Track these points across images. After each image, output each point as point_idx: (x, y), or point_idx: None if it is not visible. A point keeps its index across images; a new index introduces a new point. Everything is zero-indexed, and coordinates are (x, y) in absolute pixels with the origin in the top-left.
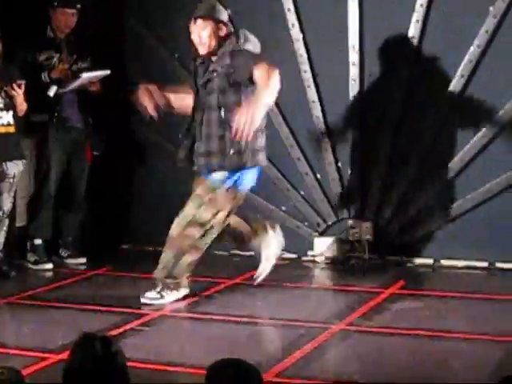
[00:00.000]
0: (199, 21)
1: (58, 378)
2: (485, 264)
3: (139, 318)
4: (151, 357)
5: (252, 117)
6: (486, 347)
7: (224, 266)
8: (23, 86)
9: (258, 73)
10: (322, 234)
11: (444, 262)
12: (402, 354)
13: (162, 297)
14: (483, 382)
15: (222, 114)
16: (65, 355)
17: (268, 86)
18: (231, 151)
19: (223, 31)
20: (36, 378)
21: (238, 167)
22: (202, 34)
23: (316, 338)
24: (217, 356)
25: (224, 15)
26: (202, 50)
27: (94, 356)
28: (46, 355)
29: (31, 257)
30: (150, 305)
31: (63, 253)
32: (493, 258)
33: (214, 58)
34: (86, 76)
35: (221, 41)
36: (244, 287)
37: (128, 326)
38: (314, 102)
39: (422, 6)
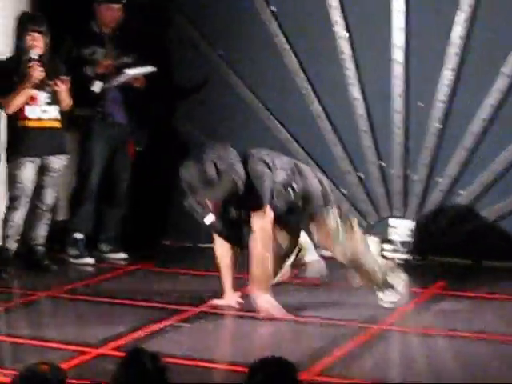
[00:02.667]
0: None
1: (97, 372)
2: None
3: (179, 314)
4: (191, 353)
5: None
6: None
7: None
8: (68, 83)
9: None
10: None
11: (486, 263)
12: (442, 355)
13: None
14: None
15: None
16: (104, 350)
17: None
18: None
19: None
20: (75, 371)
21: None
22: None
23: (357, 337)
24: (257, 354)
25: None
26: None
27: (143, 371)
28: (86, 349)
29: (72, 251)
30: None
31: (104, 247)
32: None
33: None
34: (130, 72)
35: None
36: (286, 286)
37: (168, 322)
38: (356, 100)
39: (470, 6)
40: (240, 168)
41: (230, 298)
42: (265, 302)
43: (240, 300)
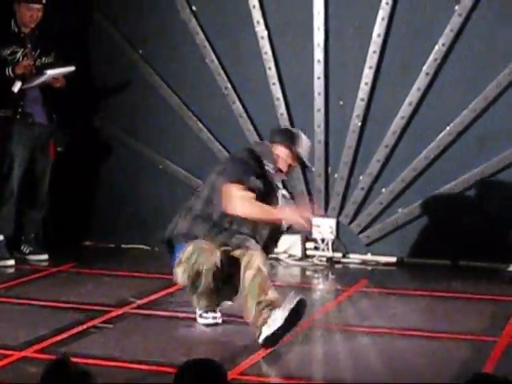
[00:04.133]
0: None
1: (20, 375)
2: (448, 262)
3: (102, 316)
4: (115, 354)
5: None
6: (450, 345)
7: None
8: None
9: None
10: (285, 231)
11: (408, 260)
12: (365, 352)
13: None
14: (448, 379)
15: None
16: (26, 352)
17: None
18: None
19: None
20: None
21: None
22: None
23: None
24: (180, 353)
25: None
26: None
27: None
28: (8, 352)
29: None
30: None
31: (25, 249)
32: (456, 255)
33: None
34: (50, 72)
35: None
36: None
37: (91, 323)
38: (278, 99)
39: (387, 3)
40: None
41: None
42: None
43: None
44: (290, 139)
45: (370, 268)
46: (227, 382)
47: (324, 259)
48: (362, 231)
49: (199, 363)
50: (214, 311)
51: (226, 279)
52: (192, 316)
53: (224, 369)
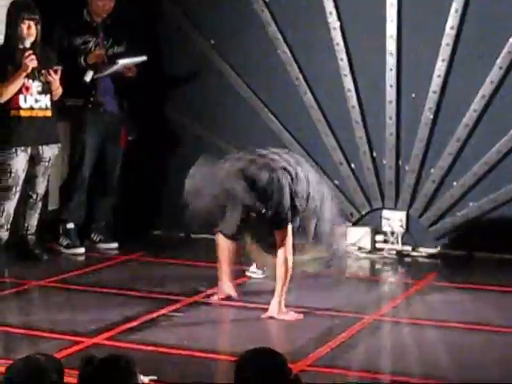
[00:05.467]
0: None
1: None
2: None
3: (172, 304)
4: (184, 343)
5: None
6: None
7: None
8: (60, 72)
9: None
10: (355, 223)
11: (478, 254)
12: (434, 345)
13: None
14: None
15: None
16: (97, 339)
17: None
18: None
19: None
20: (69, 361)
21: None
22: None
23: (349, 328)
24: (249, 344)
25: None
26: None
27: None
28: (79, 339)
29: (64, 240)
30: None
31: (95, 237)
32: None
33: None
34: (122, 62)
35: None
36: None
37: (161, 312)
38: (349, 90)
39: None
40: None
41: (227, 289)
42: (284, 314)
43: (234, 293)
44: None
45: (439, 262)
46: (287, 370)
47: (393, 252)
48: (432, 224)
49: (259, 352)
50: None
51: None
52: (261, 307)
53: (283, 357)
